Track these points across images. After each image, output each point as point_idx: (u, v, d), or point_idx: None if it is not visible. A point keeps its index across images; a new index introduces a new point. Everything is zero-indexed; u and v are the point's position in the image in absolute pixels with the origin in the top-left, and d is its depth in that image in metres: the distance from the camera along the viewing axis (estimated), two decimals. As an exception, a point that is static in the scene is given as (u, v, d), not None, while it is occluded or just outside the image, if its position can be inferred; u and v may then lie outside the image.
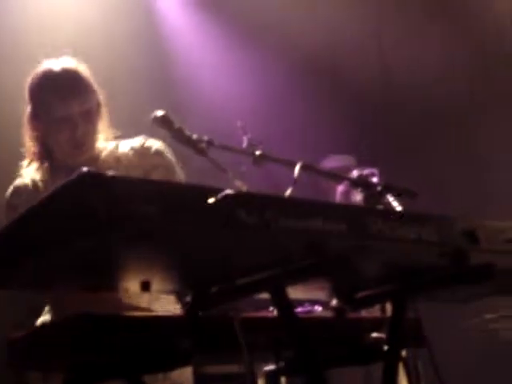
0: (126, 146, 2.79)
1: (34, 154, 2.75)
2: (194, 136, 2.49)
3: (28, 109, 2.75)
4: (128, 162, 2.72)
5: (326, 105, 5.82)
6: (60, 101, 2.63)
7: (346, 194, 4.51)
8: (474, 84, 6.16)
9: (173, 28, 5.76)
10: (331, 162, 4.91)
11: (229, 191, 1.53)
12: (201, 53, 5.75)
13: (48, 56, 2.81)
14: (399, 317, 2.15)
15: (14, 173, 2.81)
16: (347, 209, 1.84)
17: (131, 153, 2.76)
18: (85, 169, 1.43)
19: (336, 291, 2.16)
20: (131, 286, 1.81)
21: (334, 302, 2.23)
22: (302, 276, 1.72)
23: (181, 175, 2.71)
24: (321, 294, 2.26)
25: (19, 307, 2.79)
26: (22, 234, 1.59)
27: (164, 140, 2.71)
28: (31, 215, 1.57)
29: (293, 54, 5.82)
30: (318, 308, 3.68)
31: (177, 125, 2.51)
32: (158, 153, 2.74)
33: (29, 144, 2.77)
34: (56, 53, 2.86)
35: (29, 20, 4.96)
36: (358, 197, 4.44)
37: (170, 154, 2.75)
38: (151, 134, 2.75)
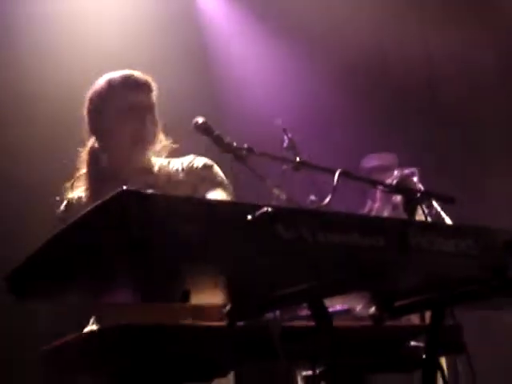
0: (177, 163, 2.87)
1: (87, 163, 2.81)
2: (234, 143, 2.51)
3: (87, 116, 2.83)
4: (178, 179, 2.80)
5: (371, 104, 5.78)
6: (129, 91, 2.76)
7: (387, 195, 4.50)
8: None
9: (215, 26, 5.77)
10: (372, 161, 4.89)
11: (267, 208, 1.54)
12: (245, 52, 5.75)
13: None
14: (437, 325, 2.14)
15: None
16: (385, 222, 1.84)
17: (181, 169, 2.84)
18: (124, 187, 1.46)
19: (374, 299, 2.17)
20: (173, 296, 1.83)
21: (373, 310, 2.23)
22: (338, 289, 1.73)
23: (229, 188, 2.75)
24: (359, 303, 2.27)
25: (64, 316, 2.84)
26: (63, 248, 1.62)
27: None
28: (72, 230, 1.60)
29: (338, 54, 5.80)
30: (358, 306, 3.67)
31: (216, 132, 2.54)
32: (206, 167, 2.81)
33: (84, 155, 2.83)
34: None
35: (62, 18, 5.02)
36: (398, 197, 4.44)
37: (217, 169, 2.81)
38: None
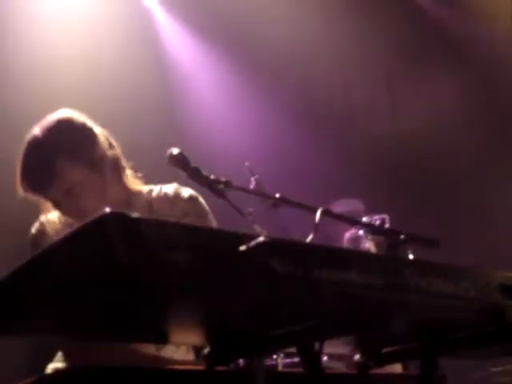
0: (160, 191, 2.67)
1: None
2: (212, 176, 2.37)
3: None
4: (160, 209, 2.60)
5: (338, 149, 5.76)
6: (36, 192, 2.51)
7: (355, 240, 4.40)
8: (486, 137, 6.14)
9: (178, 62, 5.72)
10: (339, 207, 4.80)
11: (263, 238, 1.41)
12: (210, 92, 5.70)
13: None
14: (428, 375, 2.01)
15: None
16: (384, 260, 1.72)
17: (164, 199, 2.64)
18: (108, 209, 1.31)
19: (360, 346, 2.03)
20: (147, 337, 1.67)
21: (357, 357, 2.09)
22: (335, 331, 1.59)
23: (213, 223, 2.58)
24: (343, 349, 2.13)
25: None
26: (37, 277, 1.46)
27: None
28: (47, 257, 1.43)
29: (305, 96, 5.78)
30: (325, 357, 3.53)
31: (193, 164, 2.40)
32: (191, 199, 2.61)
33: None
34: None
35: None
36: (367, 244, 4.34)
37: (202, 202, 2.62)
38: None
